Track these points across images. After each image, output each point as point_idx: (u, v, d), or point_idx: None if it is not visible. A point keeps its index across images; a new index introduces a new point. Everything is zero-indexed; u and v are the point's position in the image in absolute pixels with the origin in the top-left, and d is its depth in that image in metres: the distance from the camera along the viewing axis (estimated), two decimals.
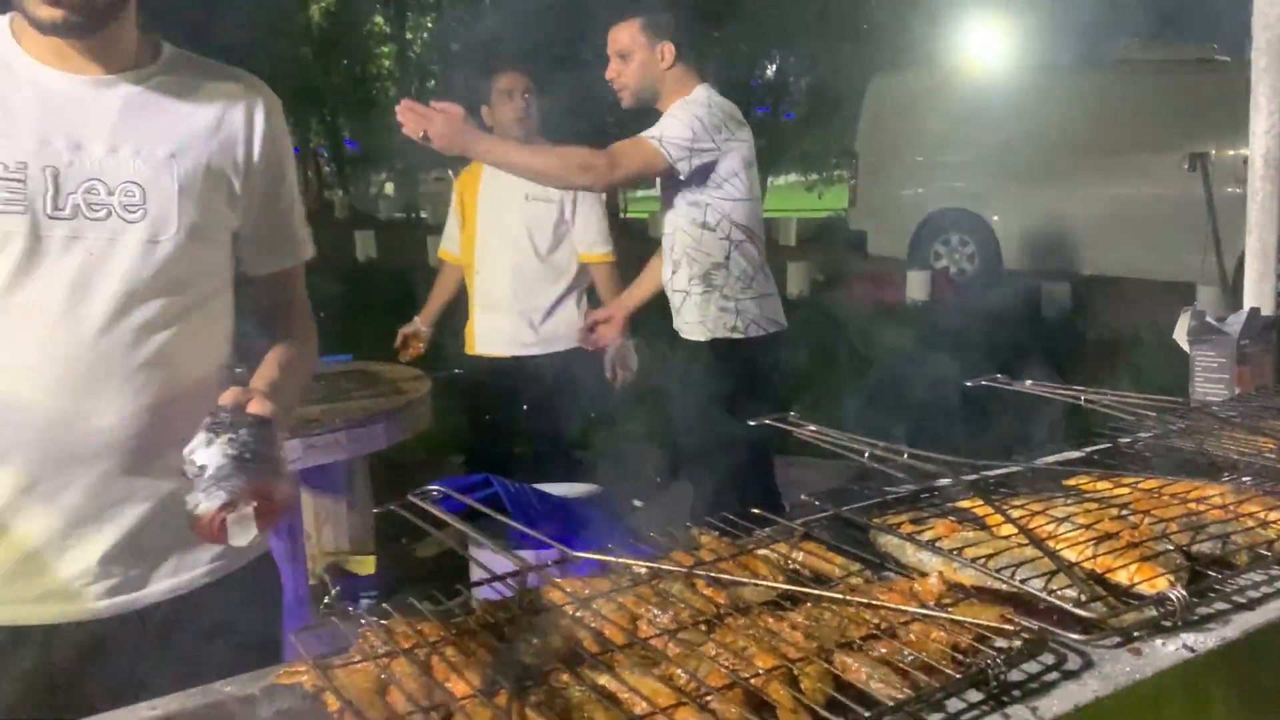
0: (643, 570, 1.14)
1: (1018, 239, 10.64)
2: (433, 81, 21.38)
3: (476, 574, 3.26)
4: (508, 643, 0.97)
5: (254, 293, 1.51)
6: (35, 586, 1.30)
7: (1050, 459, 1.58)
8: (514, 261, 3.66)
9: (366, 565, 3.97)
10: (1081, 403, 1.83)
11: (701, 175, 2.93)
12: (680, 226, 3.03)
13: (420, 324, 4.00)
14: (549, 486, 3.27)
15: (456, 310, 4.00)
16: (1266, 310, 2.15)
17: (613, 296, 3.72)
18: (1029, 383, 1.98)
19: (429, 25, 21.87)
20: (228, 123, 1.40)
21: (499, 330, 3.71)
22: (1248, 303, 2.20)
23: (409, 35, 22.06)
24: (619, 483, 3.58)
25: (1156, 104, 9.61)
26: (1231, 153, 8.60)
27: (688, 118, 2.88)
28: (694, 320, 3.07)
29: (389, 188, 25.11)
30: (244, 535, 1.09)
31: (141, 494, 1.33)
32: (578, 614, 1.05)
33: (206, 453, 1.10)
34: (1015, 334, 7.87)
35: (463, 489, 3.45)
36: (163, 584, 1.37)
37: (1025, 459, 1.54)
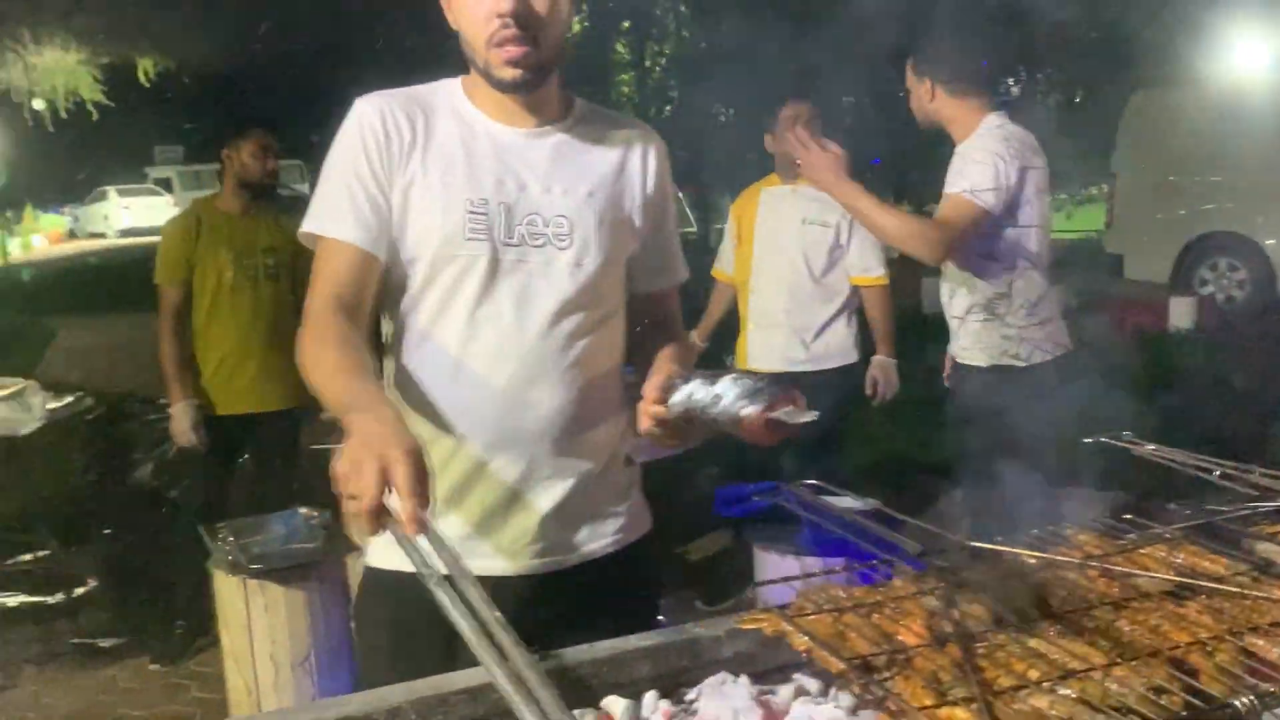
0: (1032, 561, 1.29)
1: None
2: (668, 107, 22.03)
3: (765, 573, 3.46)
4: (939, 606, 1.14)
5: (641, 307, 1.75)
6: (487, 544, 1.58)
7: None
8: (789, 281, 3.85)
9: None
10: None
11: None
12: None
13: (696, 338, 4.24)
14: (829, 498, 3.43)
15: (727, 327, 4.23)
16: None
17: (882, 318, 3.85)
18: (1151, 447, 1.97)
19: (666, 52, 22.53)
20: (629, 165, 1.66)
21: (771, 346, 3.90)
22: None
23: (648, 63, 22.79)
24: (892, 497, 3.69)
25: None
26: None
27: (988, 159, 2.93)
28: (971, 346, 3.15)
29: None
30: (803, 416, 1.29)
31: (567, 470, 1.60)
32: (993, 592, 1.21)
33: (711, 388, 1.31)
34: None
35: (749, 495, 3.67)
36: (581, 549, 1.63)
37: None
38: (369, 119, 1.56)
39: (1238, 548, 1.35)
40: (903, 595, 1.19)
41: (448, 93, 1.62)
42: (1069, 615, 1.13)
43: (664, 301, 1.79)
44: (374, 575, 1.64)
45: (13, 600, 4.49)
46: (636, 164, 1.66)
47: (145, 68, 21.06)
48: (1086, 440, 1.87)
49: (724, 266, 4.21)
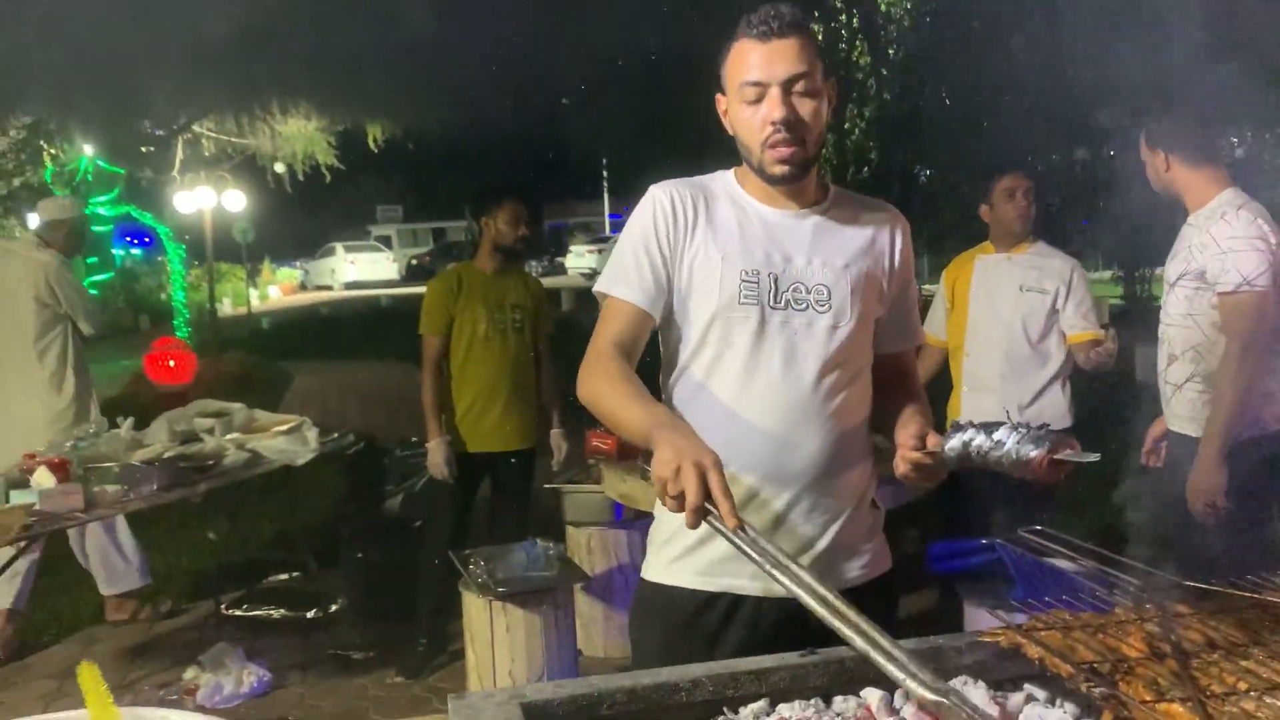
0: (1245, 600, 1.45)
1: None
2: (868, 169, 22.09)
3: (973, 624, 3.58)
4: (1158, 631, 1.34)
5: (884, 366, 2.01)
6: (753, 567, 1.85)
7: None
8: (1005, 347, 3.98)
9: None
10: None
11: None
12: (1186, 323, 3.19)
13: None
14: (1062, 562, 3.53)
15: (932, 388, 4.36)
16: None
17: (1105, 362, 3.90)
18: None
19: (867, 115, 22.65)
20: (878, 241, 1.94)
21: (984, 410, 4.01)
22: None
23: (847, 125, 22.98)
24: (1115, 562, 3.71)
25: None
26: None
27: (1250, 243, 3.02)
28: (1185, 415, 3.21)
29: None
30: (1085, 456, 1.49)
31: (825, 507, 1.87)
32: (1208, 623, 1.39)
33: (991, 436, 1.55)
34: None
35: (962, 552, 3.81)
36: (835, 578, 1.86)
37: None
38: (661, 202, 1.91)
39: None
40: (1124, 620, 1.39)
41: (724, 182, 1.95)
42: (1275, 643, 1.30)
43: (904, 361, 2.05)
44: (650, 588, 1.95)
45: (277, 613, 5.09)
46: (885, 240, 1.93)
47: (374, 134, 22.84)
48: None
49: (934, 329, 4.37)
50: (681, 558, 1.90)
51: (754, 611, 1.86)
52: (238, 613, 5.06)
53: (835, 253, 1.88)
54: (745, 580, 1.85)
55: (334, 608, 5.12)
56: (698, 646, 1.84)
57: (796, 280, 1.85)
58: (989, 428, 1.57)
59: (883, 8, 21.15)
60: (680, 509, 1.44)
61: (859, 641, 1.21)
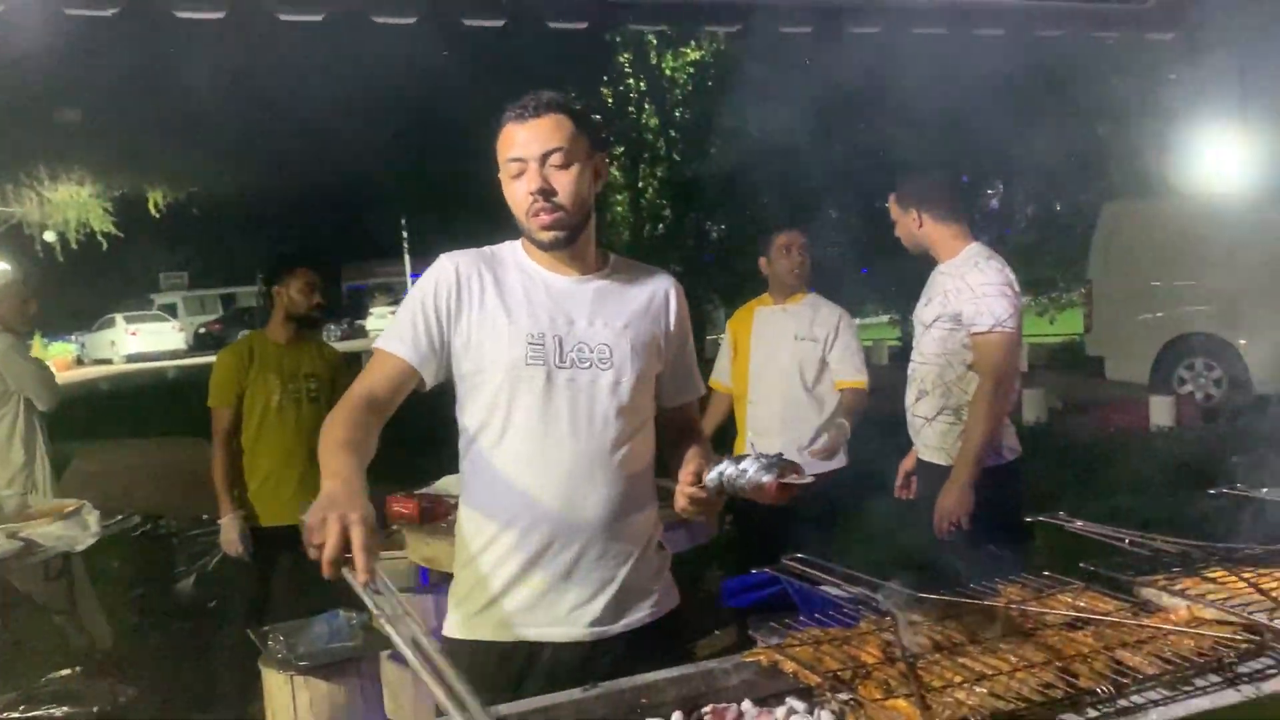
0: (968, 605, 1.67)
1: (1269, 363, 10.38)
2: (661, 225, 22.84)
3: None
4: (893, 639, 1.52)
5: (668, 418, 2.16)
6: (548, 614, 1.95)
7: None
8: (784, 393, 4.23)
9: None
10: None
11: None
12: (940, 361, 3.50)
13: None
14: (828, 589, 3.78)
15: (724, 431, 4.60)
16: None
17: (855, 412, 4.18)
18: (1265, 490, 2.38)
19: (659, 175, 23.44)
20: (654, 303, 2.08)
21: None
22: None
23: (640, 184, 23.69)
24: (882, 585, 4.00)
25: None
26: None
27: (999, 290, 3.38)
28: (934, 445, 3.53)
29: None
30: (807, 475, 1.72)
31: (614, 553, 1.98)
32: (934, 629, 1.59)
33: (738, 465, 1.75)
34: (1256, 454, 7.77)
35: (751, 586, 4.01)
36: (625, 619, 1.99)
37: (1261, 547, 1.97)
38: (447, 270, 2.02)
39: (1128, 594, 1.73)
40: (866, 631, 1.57)
41: (513, 251, 2.08)
42: (989, 641, 1.51)
43: (686, 412, 2.21)
44: (452, 645, 2.00)
45: (59, 711, 4.76)
46: (660, 302, 2.09)
47: (155, 199, 21.81)
48: (1028, 519, 2.27)
49: (720, 377, 4.60)
50: (479, 613, 1.98)
51: (553, 657, 1.96)
52: (14, 716, 4.71)
53: (615, 315, 2.01)
54: (543, 628, 1.95)
55: (123, 700, 4.84)
56: (503, 699, 1.91)
57: (580, 340, 1.97)
58: (738, 459, 1.75)
59: (667, 71, 22.00)
60: (318, 558, 1.51)
61: (439, 693, 1.36)
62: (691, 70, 22.04)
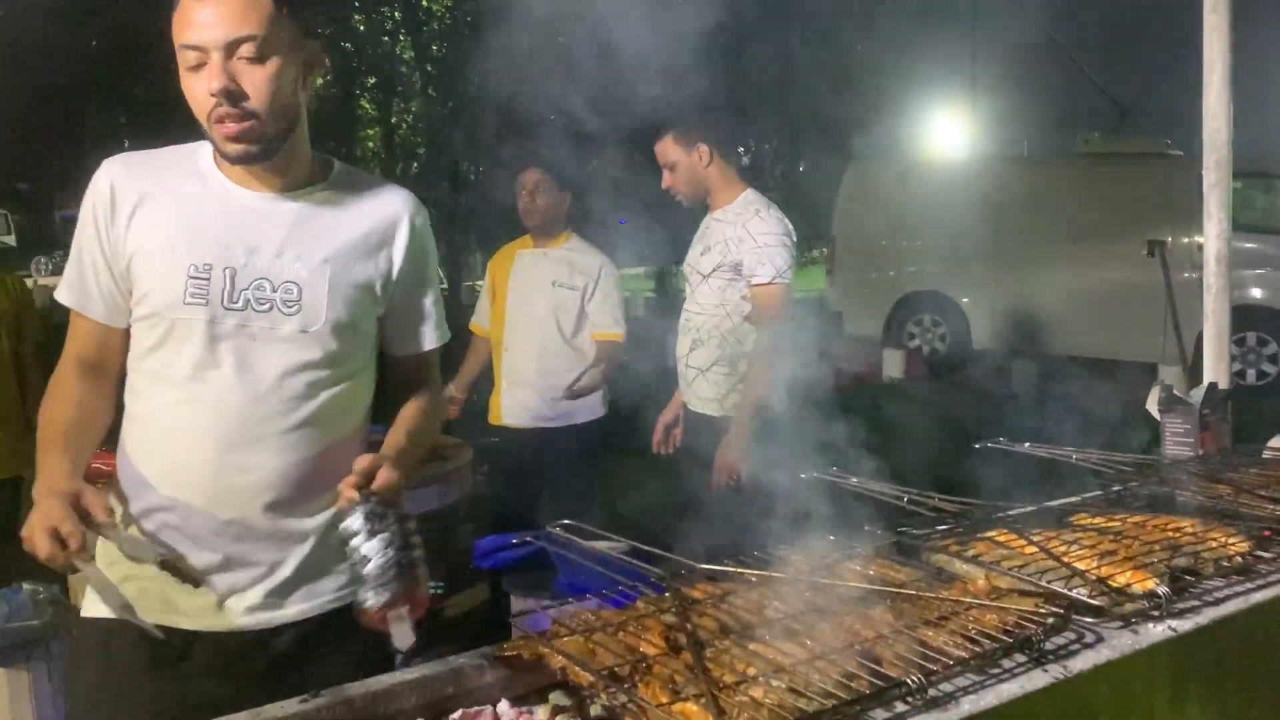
0: (754, 578, 1.48)
1: (987, 321, 11.17)
2: (416, 164, 21.95)
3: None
4: (671, 626, 1.31)
5: (394, 369, 1.80)
6: (196, 601, 1.58)
7: (1055, 502, 1.95)
8: (540, 342, 3.97)
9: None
10: (1073, 460, 2.21)
11: None
12: (717, 312, 3.35)
13: (454, 390, 4.30)
14: (587, 541, 3.59)
15: (486, 378, 4.32)
16: (1223, 385, 2.55)
17: (611, 367, 3.97)
18: (1027, 445, 2.37)
19: (412, 110, 22.49)
20: (379, 233, 1.67)
21: (524, 405, 4.01)
22: (1207, 379, 2.59)
23: (394, 119, 22.66)
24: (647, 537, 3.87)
25: (1116, 194, 10.25)
26: (1186, 240, 9.21)
27: (780, 241, 3.25)
28: (709, 396, 3.40)
29: None
30: (405, 639, 1.39)
31: (284, 532, 1.62)
32: (721, 607, 1.39)
33: (369, 545, 1.40)
34: (988, 407, 8.34)
35: (507, 545, 3.77)
36: (295, 608, 1.64)
37: (1034, 504, 1.91)
38: (100, 188, 1.59)
39: (918, 559, 1.61)
40: (644, 614, 1.35)
41: (194, 153, 1.63)
42: (781, 621, 1.33)
43: (416, 367, 1.81)
44: (88, 625, 1.63)
45: None
46: (385, 232, 1.68)
47: None
48: (802, 476, 2.13)
49: (480, 321, 4.30)
50: (122, 585, 1.55)
51: (211, 647, 1.60)
52: None
53: (315, 245, 1.62)
54: (195, 617, 1.59)
55: None
56: (158, 692, 1.58)
57: (260, 276, 1.58)
58: (383, 524, 1.42)
59: (424, 3, 21.03)
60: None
61: None
62: (449, 3, 21.18)
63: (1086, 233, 10.26)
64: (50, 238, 33.55)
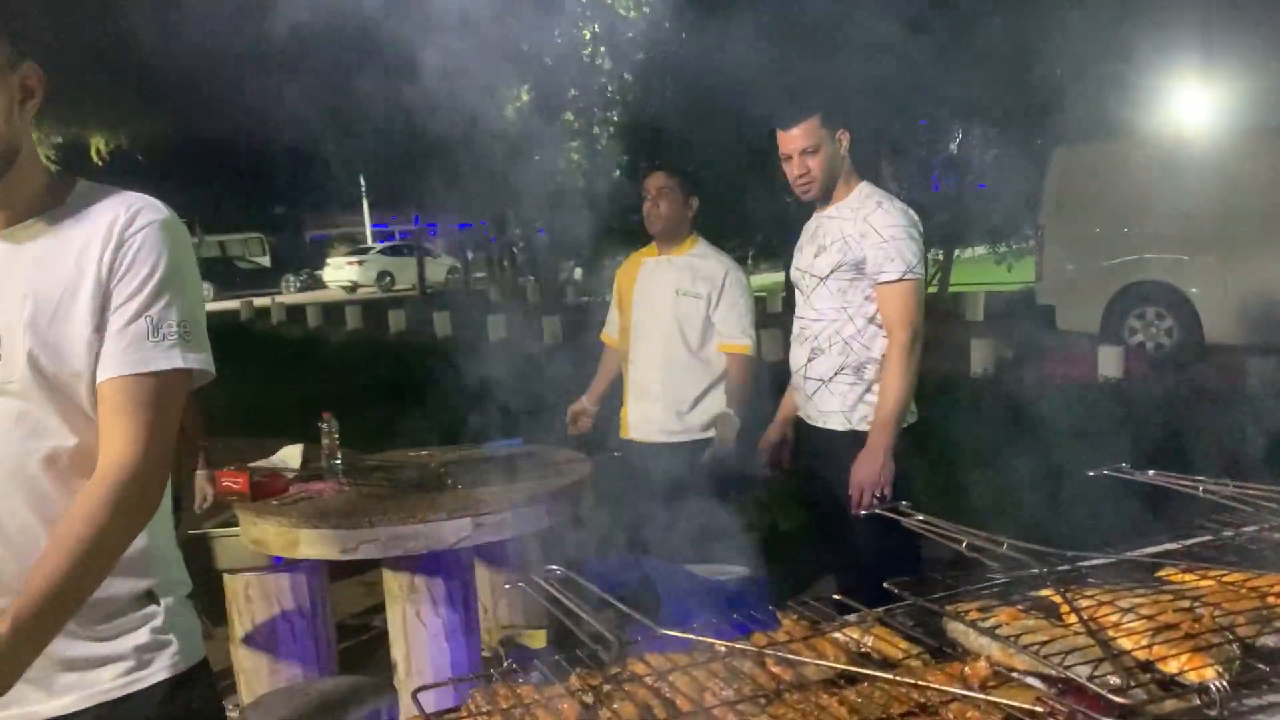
0: (722, 649, 1.27)
1: (1220, 312, 10.09)
2: (617, 172, 22.25)
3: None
4: (584, 708, 1.13)
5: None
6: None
7: (1150, 550, 1.61)
8: (665, 354, 3.80)
9: (538, 639, 4.18)
10: (1200, 494, 1.84)
11: None
12: (838, 316, 3.11)
13: (587, 403, 4.21)
14: (701, 568, 3.41)
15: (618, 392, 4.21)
16: None
17: (741, 387, 3.77)
18: (1151, 473, 2.00)
19: (614, 120, 22.81)
20: (88, 252, 1.41)
21: (650, 419, 3.86)
22: None
23: (595, 130, 23.07)
24: (764, 565, 3.65)
25: None
26: None
27: (907, 233, 3.03)
28: (833, 409, 3.13)
29: (578, 273, 26.09)
30: None
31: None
32: (656, 684, 1.19)
33: None
34: (1214, 413, 7.49)
35: (616, 569, 3.64)
36: (55, 701, 1.43)
37: (1118, 550, 1.58)
38: None
39: (933, 626, 1.35)
40: (562, 695, 1.17)
41: None
42: (716, 710, 1.12)
43: (105, 401, 1.42)
44: None
45: None
46: (94, 246, 1.41)
47: (97, 145, 21.12)
48: (862, 512, 1.87)
49: (611, 331, 4.21)
50: None
51: None
52: None
53: (15, 283, 1.38)
54: None
55: None
56: None
57: None
58: None
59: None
60: None
61: None
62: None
63: None
64: (299, 258, 36.42)
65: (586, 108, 22.36)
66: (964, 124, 17.58)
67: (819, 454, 3.21)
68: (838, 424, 3.13)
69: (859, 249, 3.05)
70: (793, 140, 3.12)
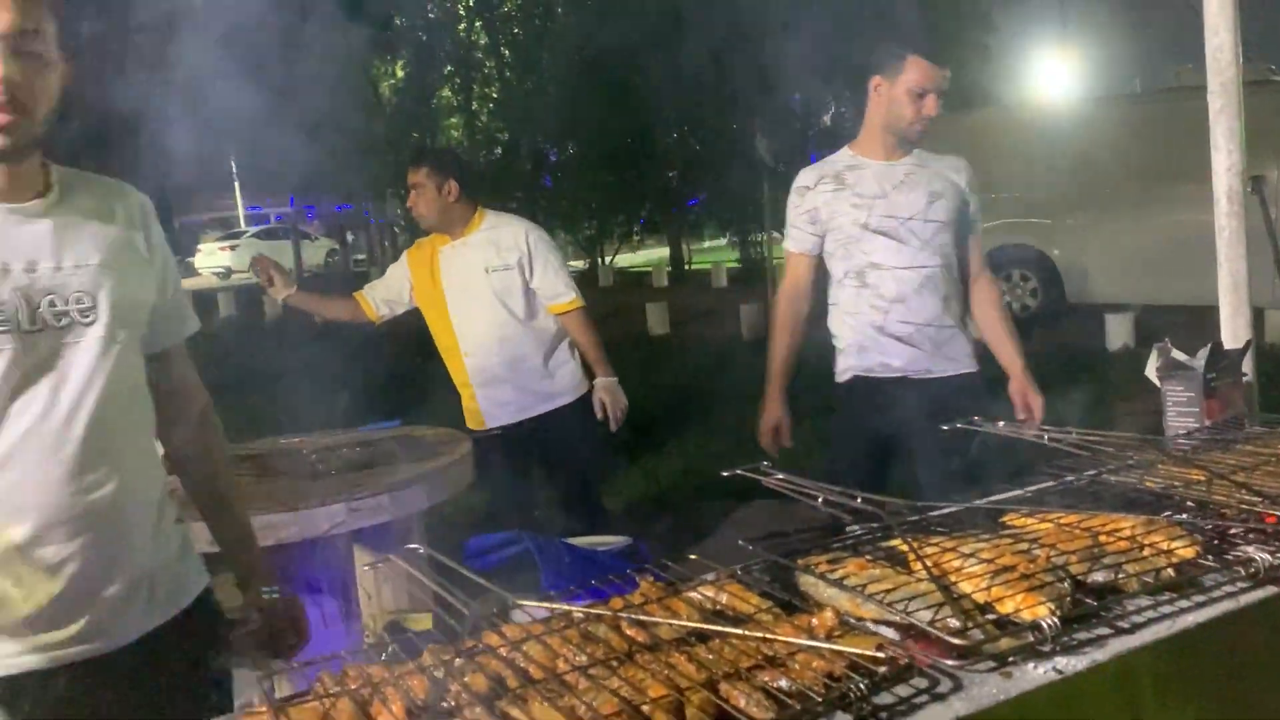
0: (579, 615, 1.27)
1: (1080, 272, 10.54)
2: (499, 149, 21.99)
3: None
4: (433, 682, 1.11)
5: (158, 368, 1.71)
6: (28, 640, 1.46)
7: (994, 498, 1.67)
8: (499, 334, 3.71)
9: (423, 622, 4.12)
10: (1045, 442, 1.92)
11: None
12: (949, 262, 3.11)
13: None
14: (581, 540, 3.41)
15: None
16: (1240, 341, 2.19)
17: (587, 343, 3.76)
18: (1001, 424, 2.07)
19: (494, 95, 22.52)
20: (131, 225, 1.62)
21: (504, 402, 3.77)
22: (1225, 336, 2.24)
23: (475, 105, 22.74)
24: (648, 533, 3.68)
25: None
26: None
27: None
28: (966, 353, 3.11)
29: None
30: None
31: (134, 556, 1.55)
32: (510, 654, 1.18)
33: None
34: (1079, 368, 7.84)
35: (497, 545, 3.62)
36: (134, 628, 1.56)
37: (965, 499, 1.63)
38: None
39: (788, 581, 1.37)
40: (412, 672, 1.15)
41: None
42: (568, 677, 1.11)
43: (178, 359, 1.78)
44: None
45: None
46: (136, 222, 1.63)
47: None
48: (724, 473, 1.89)
49: (370, 296, 4.04)
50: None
51: (44, 692, 1.45)
52: None
53: (89, 250, 1.53)
54: (27, 656, 1.45)
55: None
56: None
57: (50, 291, 1.47)
58: None
59: None
60: None
61: None
62: None
63: (1184, 171, 9.49)
64: (169, 244, 34.97)
65: (465, 84, 22.06)
66: (836, 97, 17.92)
67: (945, 400, 2.89)
68: (969, 365, 3.10)
69: (967, 198, 3.12)
70: (942, 78, 3.02)
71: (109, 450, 1.50)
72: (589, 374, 3.85)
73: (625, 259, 24.35)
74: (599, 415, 3.78)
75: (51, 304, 1.47)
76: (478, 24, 21.81)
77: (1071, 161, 10.27)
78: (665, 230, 21.61)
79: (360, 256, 28.66)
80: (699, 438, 6.37)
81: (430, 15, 20.24)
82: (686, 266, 20.48)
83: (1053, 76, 14.26)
